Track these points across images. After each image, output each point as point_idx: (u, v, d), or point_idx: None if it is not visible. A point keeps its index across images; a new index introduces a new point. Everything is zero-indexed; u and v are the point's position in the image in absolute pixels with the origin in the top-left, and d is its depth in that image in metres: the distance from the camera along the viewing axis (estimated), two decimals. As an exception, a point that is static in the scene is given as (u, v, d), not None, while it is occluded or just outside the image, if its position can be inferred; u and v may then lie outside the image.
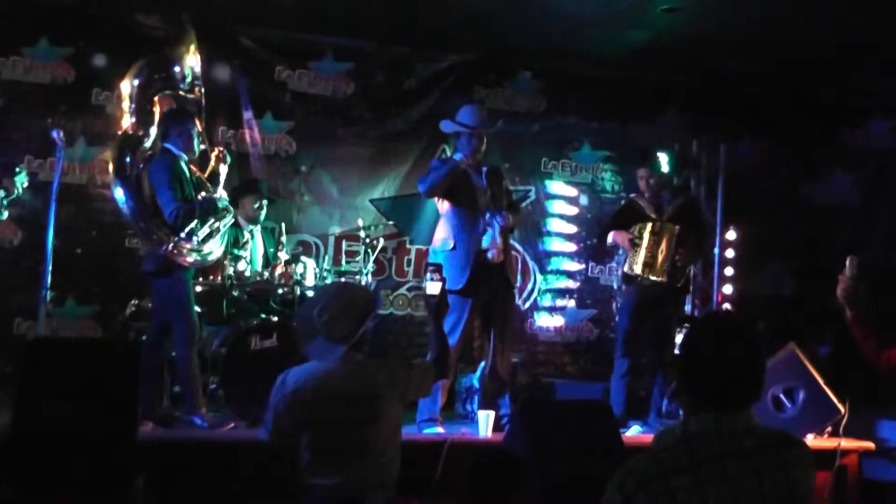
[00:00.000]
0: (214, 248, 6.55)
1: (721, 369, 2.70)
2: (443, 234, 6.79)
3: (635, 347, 7.44)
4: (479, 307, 6.72)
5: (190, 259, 6.38)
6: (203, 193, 6.46)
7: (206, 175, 6.78)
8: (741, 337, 2.75)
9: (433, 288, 4.61)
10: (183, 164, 6.46)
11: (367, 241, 7.55)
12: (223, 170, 6.71)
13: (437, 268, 4.69)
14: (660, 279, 7.35)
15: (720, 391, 2.69)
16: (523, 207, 9.28)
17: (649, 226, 7.37)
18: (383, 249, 8.59)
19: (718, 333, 2.78)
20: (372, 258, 7.65)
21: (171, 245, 6.29)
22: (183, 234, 6.31)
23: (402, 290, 9.07)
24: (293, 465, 4.28)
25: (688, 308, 9.27)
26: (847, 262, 4.75)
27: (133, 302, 7.57)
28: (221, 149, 6.89)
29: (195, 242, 6.36)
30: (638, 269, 7.37)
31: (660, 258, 7.34)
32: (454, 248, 6.66)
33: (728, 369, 2.70)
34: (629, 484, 2.59)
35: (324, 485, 4.15)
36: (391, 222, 8.90)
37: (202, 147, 6.66)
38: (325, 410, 4.15)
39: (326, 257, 8.70)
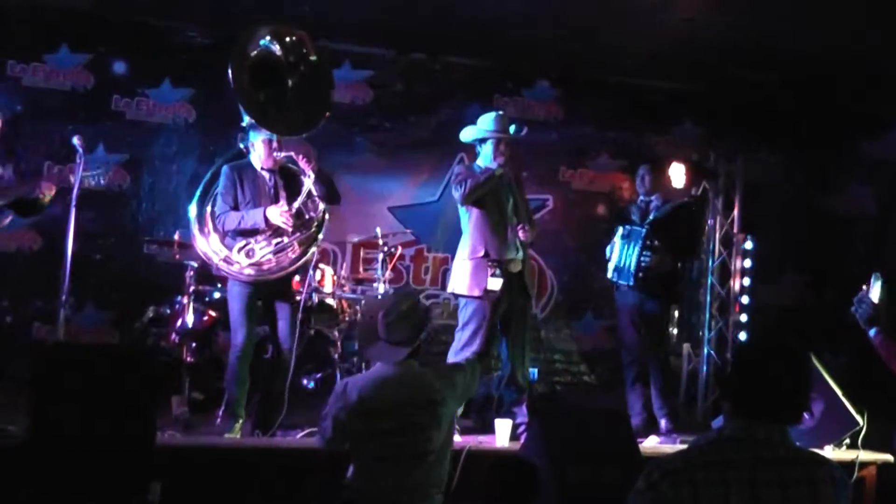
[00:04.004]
0: (275, 262, 6.31)
1: (765, 384, 2.76)
2: (471, 242, 6.73)
3: (634, 354, 7.46)
4: (499, 316, 6.70)
5: (249, 272, 6.26)
6: (280, 204, 6.32)
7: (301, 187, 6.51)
8: (792, 359, 2.81)
9: (495, 283, 4.83)
10: (252, 172, 6.42)
11: (385, 248, 7.53)
12: (306, 184, 6.39)
13: (500, 264, 4.86)
14: (627, 284, 7.39)
15: (760, 403, 2.74)
16: (540, 216, 9.34)
17: (620, 229, 7.46)
18: (401, 257, 8.59)
19: (769, 351, 2.84)
20: (389, 266, 7.65)
21: (222, 256, 6.27)
22: (234, 247, 6.27)
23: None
24: (342, 472, 4.39)
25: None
26: (872, 280, 4.71)
27: (150, 308, 7.59)
28: (309, 160, 6.49)
29: (236, 252, 6.25)
30: (609, 274, 7.49)
31: (625, 262, 7.41)
32: (485, 255, 6.62)
33: (771, 386, 2.75)
34: (655, 474, 2.67)
35: (382, 489, 4.26)
36: (409, 230, 8.89)
37: (280, 156, 6.45)
38: (389, 418, 4.27)
39: (344, 265, 8.72)
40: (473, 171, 6.72)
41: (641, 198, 7.70)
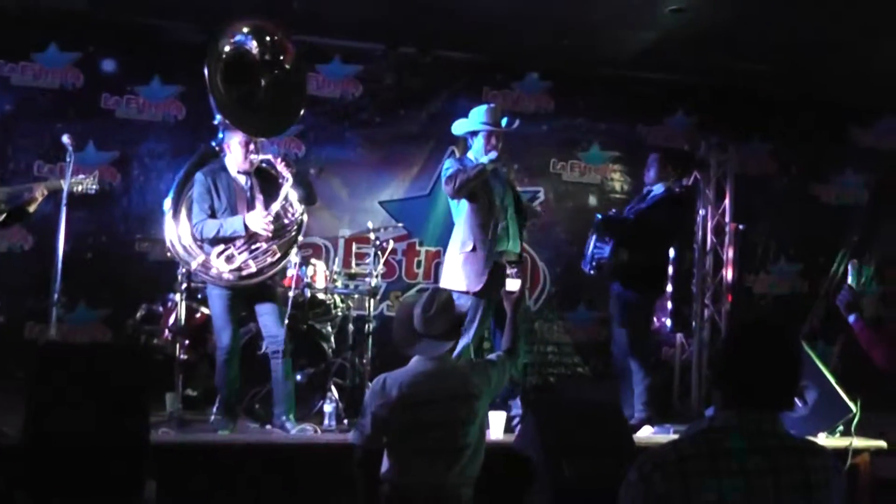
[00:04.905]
0: (255, 267, 6.29)
1: (752, 371, 2.74)
2: (461, 236, 6.74)
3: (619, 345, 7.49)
4: (492, 308, 6.69)
5: (228, 277, 6.26)
6: (256, 211, 6.28)
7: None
8: (778, 344, 2.80)
9: (513, 284, 4.94)
10: (226, 177, 6.38)
11: (377, 243, 7.52)
12: (283, 188, 6.32)
13: (517, 265, 4.97)
14: (593, 274, 7.48)
15: (749, 390, 2.73)
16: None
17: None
18: (393, 251, 8.59)
19: (757, 336, 2.82)
20: (382, 260, 7.63)
21: (198, 261, 6.29)
22: (212, 252, 6.27)
23: (412, 293, 9.06)
24: (377, 468, 4.44)
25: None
26: (849, 268, 4.75)
27: (143, 306, 7.57)
28: (287, 164, 6.41)
29: (215, 257, 6.23)
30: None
31: (586, 251, 7.50)
32: (473, 249, 6.63)
33: (759, 372, 2.74)
34: (646, 465, 2.66)
35: (421, 483, 4.32)
36: (401, 224, 8.88)
37: (258, 159, 6.41)
38: (430, 412, 4.33)
39: (336, 259, 8.72)
40: (465, 165, 6.72)
41: (646, 188, 7.70)
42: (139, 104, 8.74)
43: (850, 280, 4.84)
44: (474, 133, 6.83)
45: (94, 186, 6.69)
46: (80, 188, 6.53)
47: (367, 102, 9.25)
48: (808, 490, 2.66)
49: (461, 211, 6.79)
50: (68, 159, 6.33)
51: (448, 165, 6.76)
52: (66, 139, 6.32)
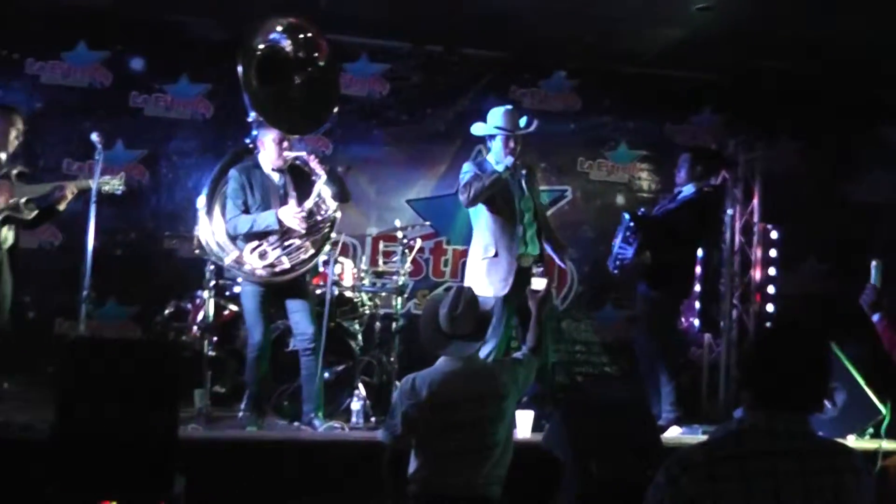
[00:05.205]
0: (288, 263, 6.31)
1: (781, 372, 2.71)
2: (483, 241, 6.74)
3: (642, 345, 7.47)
4: (517, 309, 6.68)
5: (261, 273, 6.29)
6: (289, 206, 6.32)
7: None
8: (807, 345, 2.76)
9: (538, 283, 4.95)
10: (260, 174, 6.42)
11: (404, 241, 7.53)
12: (317, 185, 6.38)
13: (543, 264, 4.98)
14: (616, 273, 7.47)
15: (779, 392, 2.70)
16: (559, 207, 9.36)
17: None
18: (420, 250, 8.59)
19: (786, 337, 2.80)
20: (409, 258, 7.64)
21: (231, 257, 6.33)
22: (245, 248, 6.30)
23: (439, 291, 9.05)
24: (405, 467, 4.43)
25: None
26: (871, 267, 4.71)
27: (172, 302, 7.61)
28: (320, 161, 6.49)
29: (248, 253, 6.27)
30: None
31: (612, 251, 7.45)
32: (496, 255, 6.64)
33: (788, 373, 2.71)
34: (675, 468, 2.64)
35: (449, 483, 4.31)
36: (428, 223, 8.88)
37: (290, 156, 6.44)
38: (460, 412, 4.33)
39: (364, 258, 8.72)
40: (484, 170, 6.72)
41: (676, 188, 7.66)
42: (167, 102, 8.80)
43: (872, 279, 4.82)
44: (492, 136, 6.82)
45: (121, 187, 6.70)
46: (107, 188, 6.56)
47: (393, 101, 9.26)
48: (838, 492, 2.64)
49: (480, 216, 6.80)
50: (97, 157, 6.38)
51: (466, 170, 6.77)
52: (95, 137, 6.37)
